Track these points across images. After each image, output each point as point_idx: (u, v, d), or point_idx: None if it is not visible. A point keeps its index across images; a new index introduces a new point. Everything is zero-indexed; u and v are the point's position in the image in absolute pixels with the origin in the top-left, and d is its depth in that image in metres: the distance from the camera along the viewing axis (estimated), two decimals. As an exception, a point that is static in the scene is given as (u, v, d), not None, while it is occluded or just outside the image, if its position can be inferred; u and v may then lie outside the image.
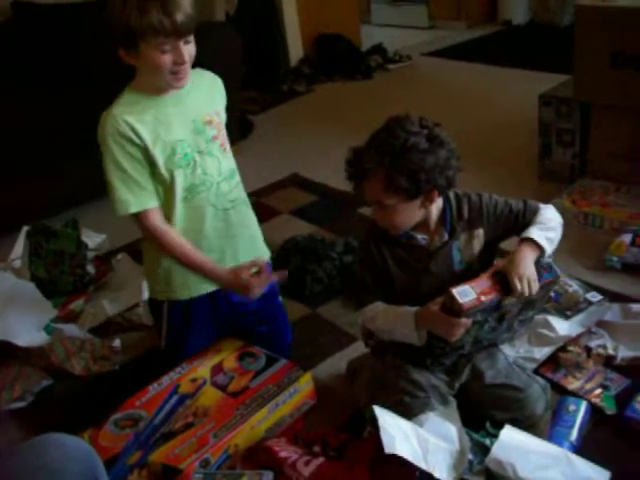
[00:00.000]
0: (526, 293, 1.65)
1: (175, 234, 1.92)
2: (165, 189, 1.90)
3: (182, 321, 2.10)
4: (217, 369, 2.10)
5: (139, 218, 1.89)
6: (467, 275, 1.76)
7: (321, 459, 1.74)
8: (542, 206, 1.85)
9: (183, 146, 1.88)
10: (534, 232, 1.74)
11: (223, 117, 2.02)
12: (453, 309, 1.62)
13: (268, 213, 3.34)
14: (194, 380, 2.07)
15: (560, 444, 1.75)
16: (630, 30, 2.80)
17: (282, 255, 2.75)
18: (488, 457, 1.59)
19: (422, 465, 1.58)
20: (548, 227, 1.78)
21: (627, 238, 2.56)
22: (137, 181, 1.84)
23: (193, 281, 2.01)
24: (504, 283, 1.66)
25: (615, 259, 2.53)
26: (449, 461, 1.63)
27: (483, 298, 1.63)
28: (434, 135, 1.67)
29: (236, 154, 2.08)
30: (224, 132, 2.01)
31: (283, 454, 1.74)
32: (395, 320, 1.77)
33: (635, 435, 1.81)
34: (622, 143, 2.98)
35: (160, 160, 1.85)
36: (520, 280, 1.64)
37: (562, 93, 3.18)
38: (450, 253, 1.80)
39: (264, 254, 2.17)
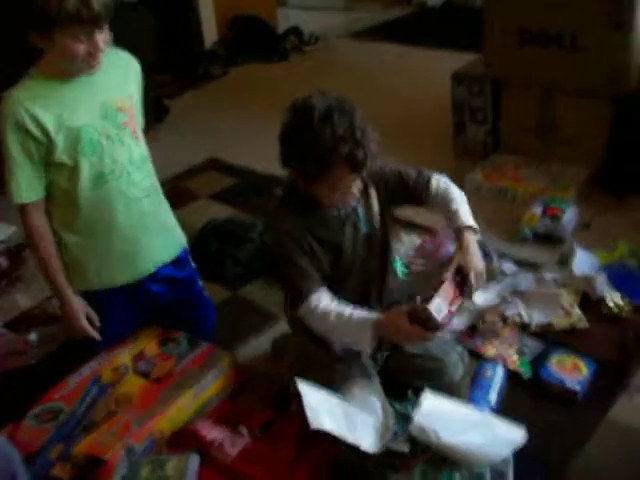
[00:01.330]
0: (480, 287, 1.72)
1: (49, 243, 1.87)
2: (69, 178, 1.81)
3: (97, 311, 2.03)
4: (139, 356, 2.06)
5: (20, 212, 1.82)
6: (372, 238, 1.83)
7: (247, 439, 1.74)
8: (436, 176, 1.88)
9: (88, 131, 1.79)
10: (467, 218, 1.82)
11: (137, 102, 1.95)
12: (428, 325, 1.61)
13: (186, 198, 3.31)
14: (116, 369, 2.03)
15: (479, 406, 1.81)
16: (535, 8, 2.89)
17: (201, 239, 2.71)
18: (411, 425, 1.62)
19: (348, 438, 1.60)
20: (464, 202, 1.85)
21: (538, 210, 2.65)
22: (25, 174, 1.76)
23: (106, 272, 1.96)
24: (461, 280, 1.71)
25: (527, 230, 2.62)
26: (374, 432, 1.65)
27: (452, 309, 1.66)
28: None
29: (151, 140, 2.03)
30: (137, 118, 1.94)
31: (209, 437, 1.73)
32: (349, 327, 1.69)
33: (548, 395, 1.89)
34: (531, 119, 3.07)
35: (63, 147, 1.76)
36: (477, 278, 1.72)
37: (473, 71, 3.26)
38: (357, 216, 1.81)
39: (180, 242, 2.13)
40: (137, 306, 2.08)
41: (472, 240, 1.78)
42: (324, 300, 1.70)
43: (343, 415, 1.64)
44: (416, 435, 1.62)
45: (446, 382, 1.86)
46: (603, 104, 2.82)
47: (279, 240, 1.76)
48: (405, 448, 1.63)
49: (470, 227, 1.80)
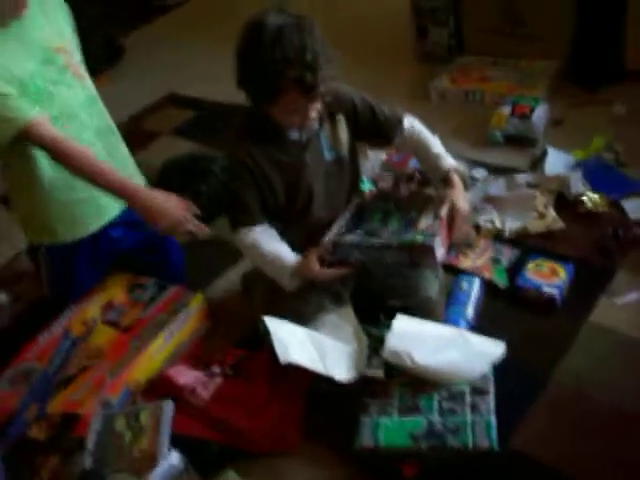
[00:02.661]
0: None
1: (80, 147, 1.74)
2: None
3: (64, 265, 1.98)
4: (107, 306, 2.00)
5: (30, 135, 1.69)
6: (338, 166, 1.77)
7: (220, 379, 1.70)
8: (409, 117, 1.83)
9: (34, 78, 1.71)
10: (451, 160, 1.80)
11: (73, 39, 1.86)
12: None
13: (147, 137, 3.19)
14: (85, 321, 1.97)
15: (456, 323, 1.77)
16: None
17: (162, 178, 2.60)
18: (384, 349, 1.58)
19: (320, 369, 1.56)
20: (440, 145, 1.83)
21: (507, 109, 2.55)
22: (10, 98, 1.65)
23: (76, 222, 1.89)
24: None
25: (498, 133, 2.53)
26: (347, 360, 1.62)
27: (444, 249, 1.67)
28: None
29: (107, 82, 1.93)
30: (77, 58, 1.85)
31: (182, 382, 1.69)
32: (270, 269, 1.72)
33: (526, 303, 1.85)
34: (493, 16, 2.93)
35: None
36: (465, 221, 1.74)
37: (430, -30, 3.08)
38: (319, 142, 1.75)
39: (139, 184, 2.04)
40: (101, 255, 2.01)
41: (459, 185, 1.75)
42: (253, 236, 1.70)
43: (313, 346, 1.60)
44: (390, 359, 1.58)
45: (421, 300, 1.80)
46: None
47: (230, 166, 1.74)
48: (380, 374, 1.60)
49: (456, 169, 1.78)
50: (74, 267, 1.99)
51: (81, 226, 1.91)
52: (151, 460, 1.52)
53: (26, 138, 1.70)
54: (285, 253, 1.70)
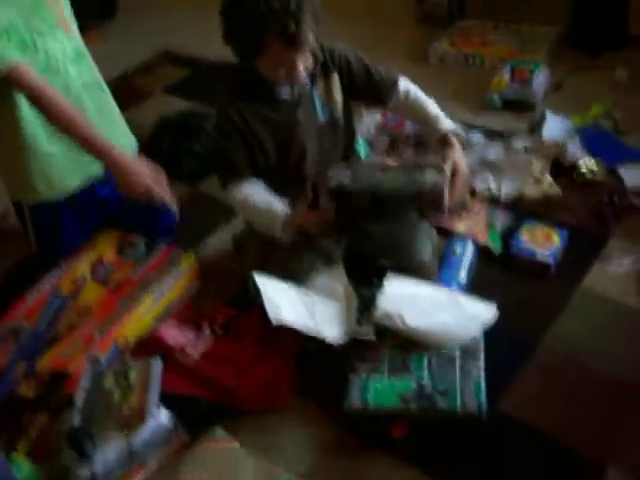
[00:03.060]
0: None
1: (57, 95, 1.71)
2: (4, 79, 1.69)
3: (49, 223, 1.96)
4: (96, 265, 1.98)
5: (14, 81, 1.67)
6: (332, 126, 1.74)
7: (209, 338, 1.69)
8: (404, 79, 1.79)
9: (18, 29, 1.67)
10: (450, 122, 1.75)
11: None
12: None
13: (138, 95, 3.13)
14: (74, 280, 1.95)
15: (449, 286, 1.75)
16: None
17: (154, 136, 2.57)
18: (374, 310, 1.56)
19: (310, 330, 1.55)
20: (438, 107, 1.78)
21: (506, 74, 2.51)
22: None
23: (55, 179, 1.87)
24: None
25: (496, 97, 2.49)
26: (337, 320, 1.61)
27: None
28: None
29: (99, 39, 1.89)
30: (67, 12, 1.82)
31: (171, 341, 1.68)
32: (263, 220, 1.68)
33: (519, 268, 1.84)
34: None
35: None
36: (464, 184, 1.67)
37: None
38: (312, 101, 1.71)
39: (128, 142, 2.00)
40: (88, 213, 1.99)
41: (458, 144, 1.70)
42: (243, 191, 1.67)
43: (304, 306, 1.59)
44: (380, 321, 1.57)
45: (414, 262, 1.79)
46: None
47: (219, 124, 1.70)
48: (371, 335, 1.59)
49: (454, 131, 1.72)
50: (60, 225, 1.97)
51: (61, 184, 1.89)
52: (140, 418, 1.51)
53: (9, 85, 1.67)
54: (276, 203, 1.67)
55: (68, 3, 1.84)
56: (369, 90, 1.76)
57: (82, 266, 1.98)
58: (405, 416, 1.49)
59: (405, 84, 1.78)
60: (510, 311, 1.62)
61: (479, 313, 1.57)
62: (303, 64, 1.57)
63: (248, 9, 1.47)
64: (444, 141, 1.72)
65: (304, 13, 1.47)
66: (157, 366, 1.62)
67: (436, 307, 1.57)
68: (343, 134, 1.80)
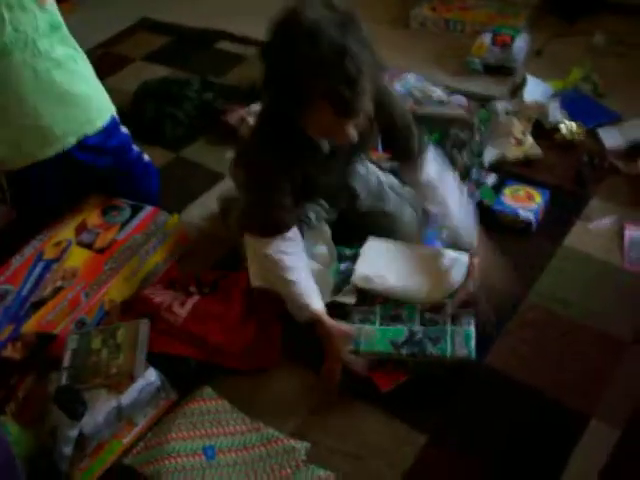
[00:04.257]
0: None
1: None
2: None
3: (26, 187, 1.95)
4: (81, 228, 1.97)
5: None
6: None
7: (196, 297, 1.70)
8: (431, 155, 1.67)
9: None
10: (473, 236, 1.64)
11: None
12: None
13: (119, 63, 3.08)
14: (58, 243, 1.94)
15: (431, 244, 1.77)
16: None
17: (136, 103, 2.55)
18: (353, 275, 1.56)
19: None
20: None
21: (487, 38, 2.52)
22: None
23: (25, 148, 1.85)
24: None
25: (477, 61, 2.50)
26: (317, 283, 1.57)
27: None
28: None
29: (78, 7, 1.84)
30: None
31: (158, 300, 1.69)
32: (290, 298, 1.53)
33: (502, 226, 1.86)
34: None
35: None
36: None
37: None
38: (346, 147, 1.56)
39: (107, 111, 1.98)
40: (69, 178, 1.97)
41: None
42: (278, 251, 1.50)
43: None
44: (361, 285, 1.56)
45: (401, 238, 1.79)
46: None
47: (258, 174, 1.49)
48: (351, 300, 1.59)
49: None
50: (39, 189, 1.95)
51: (32, 153, 1.86)
52: (128, 377, 1.52)
53: None
54: (312, 295, 1.51)
55: None
56: (389, 144, 1.66)
57: (66, 230, 1.97)
58: (396, 361, 1.51)
59: (432, 164, 1.65)
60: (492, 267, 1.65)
61: (460, 257, 1.58)
62: (354, 127, 1.35)
63: (292, 59, 1.23)
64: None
65: (363, 76, 1.23)
66: (144, 325, 1.63)
67: (416, 263, 1.57)
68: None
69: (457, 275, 1.57)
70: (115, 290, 1.80)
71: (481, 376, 1.52)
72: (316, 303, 1.51)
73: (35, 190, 1.95)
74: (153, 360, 1.58)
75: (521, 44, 2.49)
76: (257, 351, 1.62)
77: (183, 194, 2.22)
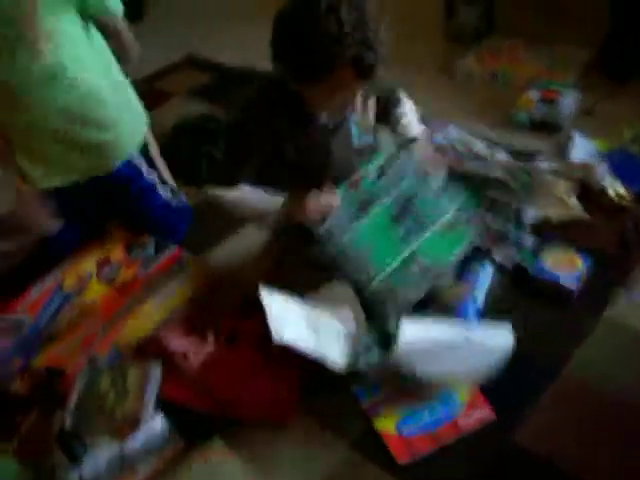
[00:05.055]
0: None
1: None
2: None
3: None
4: (103, 262, 1.94)
5: None
6: (366, 150, 1.68)
7: (211, 347, 1.62)
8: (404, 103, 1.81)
9: None
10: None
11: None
12: None
13: (160, 97, 3.10)
14: (79, 276, 1.90)
15: (465, 307, 1.67)
16: None
17: (173, 138, 2.52)
18: (389, 359, 1.46)
19: (313, 352, 1.47)
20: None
21: (535, 93, 2.45)
22: None
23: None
24: None
25: (523, 115, 2.43)
26: (342, 344, 1.52)
27: None
28: None
29: None
30: (47, 24, 1.59)
31: (173, 346, 1.61)
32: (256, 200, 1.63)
33: (540, 292, 1.75)
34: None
35: None
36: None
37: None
38: (349, 127, 1.64)
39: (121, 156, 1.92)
40: (85, 209, 1.96)
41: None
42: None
43: (309, 326, 1.52)
44: (393, 369, 1.47)
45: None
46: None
47: (251, 123, 1.57)
48: (378, 378, 1.51)
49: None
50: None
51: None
52: (133, 423, 1.46)
53: None
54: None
55: (63, 14, 1.62)
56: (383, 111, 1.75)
57: (88, 263, 1.93)
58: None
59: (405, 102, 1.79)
60: (529, 337, 1.55)
61: (495, 347, 1.49)
62: (359, 96, 1.51)
63: (319, 30, 1.33)
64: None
65: (380, 41, 1.39)
66: (156, 370, 1.56)
67: (450, 351, 1.48)
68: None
69: (486, 367, 1.47)
70: (131, 329, 1.74)
71: (509, 453, 1.41)
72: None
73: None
74: (162, 406, 1.51)
75: (569, 101, 2.41)
76: (272, 404, 1.53)
77: (212, 234, 2.16)
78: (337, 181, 1.67)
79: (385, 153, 1.70)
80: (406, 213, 1.63)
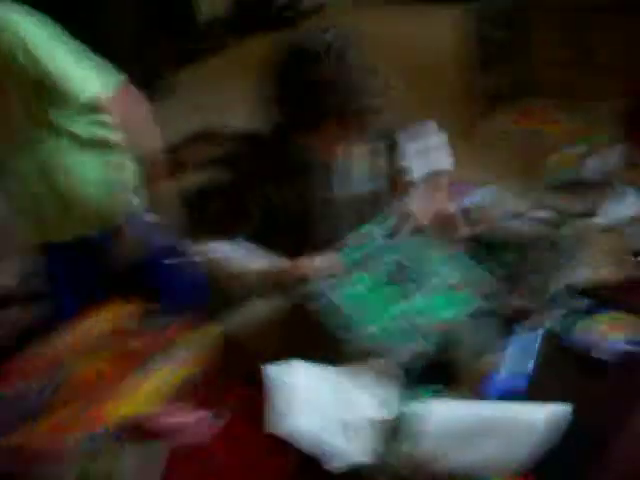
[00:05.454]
0: None
1: None
2: None
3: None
4: (112, 333, 1.73)
5: None
6: (373, 199, 1.61)
7: (216, 420, 1.39)
8: None
9: None
10: None
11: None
12: None
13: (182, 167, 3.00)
14: (79, 350, 1.70)
15: (513, 376, 1.44)
16: None
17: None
18: (413, 452, 1.24)
19: (318, 451, 1.24)
20: None
21: (574, 149, 2.28)
22: None
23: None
24: None
25: (559, 175, 2.25)
26: (367, 440, 1.28)
27: None
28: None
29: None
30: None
31: (170, 421, 1.39)
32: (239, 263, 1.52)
33: (599, 362, 1.52)
34: (562, 52, 2.69)
35: None
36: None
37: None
38: (351, 170, 1.57)
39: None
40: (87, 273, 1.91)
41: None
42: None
43: (322, 416, 1.29)
44: (423, 463, 1.24)
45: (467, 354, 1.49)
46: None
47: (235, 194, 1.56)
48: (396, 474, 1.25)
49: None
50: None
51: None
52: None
53: None
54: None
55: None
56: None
57: (95, 331, 1.74)
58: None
59: None
60: (585, 409, 1.31)
61: (541, 423, 1.25)
62: (358, 142, 1.51)
63: (300, 80, 1.38)
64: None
65: (371, 89, 1.38)
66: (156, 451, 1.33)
67: (484, 433, 1.25)
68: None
69: (525, 452, 1.22)
70: (126, 405, 1.52)
71: None
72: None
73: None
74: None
75: (614, 155, 2.23)
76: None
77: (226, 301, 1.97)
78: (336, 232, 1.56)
79: (394, 216, 1.58)
80: (401, 275, 1.49)
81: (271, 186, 1.52)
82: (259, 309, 1.88)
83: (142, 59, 4.04)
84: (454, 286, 1.48)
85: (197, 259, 1.59)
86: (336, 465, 1.22)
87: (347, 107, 1.37)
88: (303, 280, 1.46)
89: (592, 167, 2.21)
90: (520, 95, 2.88)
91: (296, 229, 1.56)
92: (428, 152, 1.69)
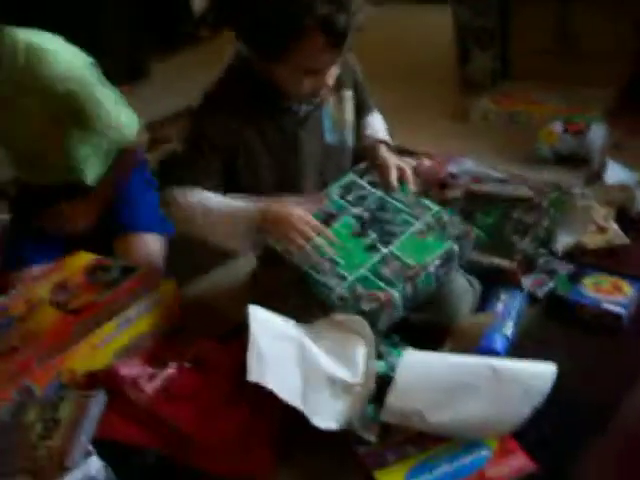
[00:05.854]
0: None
1: None
2: None
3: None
4: (59, 286, 1.63)
5: None
6: (340, 149, 1.50)
7: (170, 370, 1.29)
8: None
9: None
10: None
11: None
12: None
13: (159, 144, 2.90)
14: (28, 300, 1.60)
15: (492, 340, 1.36)
16: None
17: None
18: (383, 410, 1.16)
19: (298, 405, 1.16)
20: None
21: (558, 127, 2.21)
22: None
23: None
24: None
25: (546, 149, 2.18)
26: (337, 404, 1.20)
27: None
28: None
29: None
30: None
31: (123, 371, 1.29)
32: (223, 217, 1.36)
33: (584, 323, 1.45)
34: (544, 38, 2.62)
35: None
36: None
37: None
38: (320, 120, 1.46)
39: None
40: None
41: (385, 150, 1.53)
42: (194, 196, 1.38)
43: (300, 364, 1.22)
44: (393, 421, 1.17)
45: (449, 314, 1.41)
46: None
47: (197, 132, 1.42)
48: (372, 438, 1.18)
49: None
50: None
51: None
52: (59, 463, 1.11)
53: None
54: (243, 201, 1.37)
55: None
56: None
57: (42, 287, 1.63)
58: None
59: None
60: (573, 374, 1.23)
61: (532, 383, 1.16)
62: (332, 76, 1.35)
63: None
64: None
65: (355, 7, 1.24)
66: (98, 402, 1.23)
67: (466, 388, 1.16)
68: (350, 162, 1.54)
69: (517, 414, 1.14)
70: (78, 358, 1.42)
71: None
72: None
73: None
74: (102, 448, 1.17)
75: (598, 132, 2.16)
76: (241, 450, 1.18)
77: (191, 266, 1.88)
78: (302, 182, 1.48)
79: (353, 173, 1.49)
80: (369, 227, 1.40)
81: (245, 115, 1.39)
82: (229, 272, 1.80)
83: (129, 41, 3.97)
84: (428, 230, 1.39)
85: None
86: (324, 425, 1.15)
87: (335, 19, 1.21)
88: (288, 223, 1.33)
89: (577, 143, 2.14)
90: (502, 81, 2.80)
91: (267, 171, 1.45)
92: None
